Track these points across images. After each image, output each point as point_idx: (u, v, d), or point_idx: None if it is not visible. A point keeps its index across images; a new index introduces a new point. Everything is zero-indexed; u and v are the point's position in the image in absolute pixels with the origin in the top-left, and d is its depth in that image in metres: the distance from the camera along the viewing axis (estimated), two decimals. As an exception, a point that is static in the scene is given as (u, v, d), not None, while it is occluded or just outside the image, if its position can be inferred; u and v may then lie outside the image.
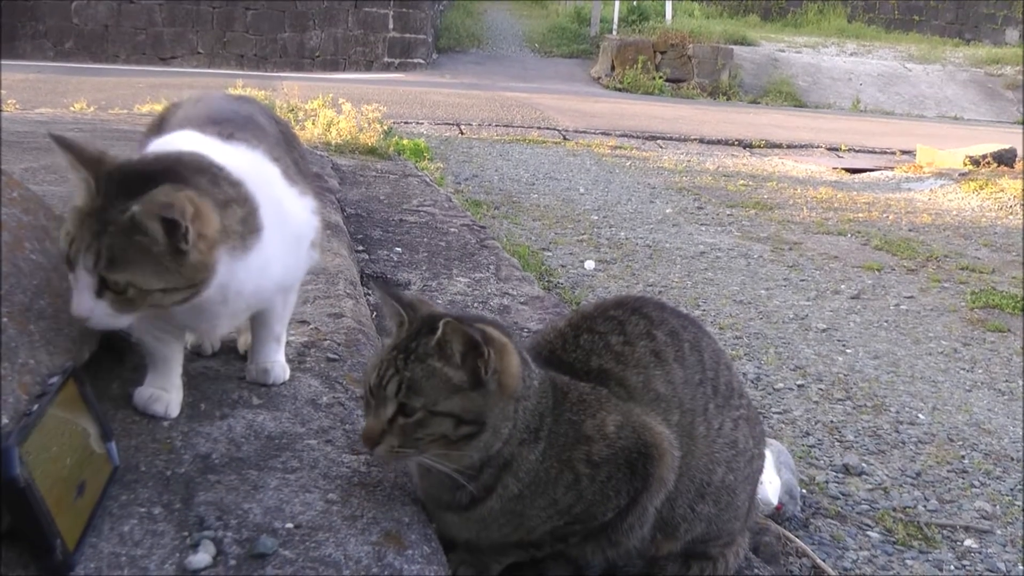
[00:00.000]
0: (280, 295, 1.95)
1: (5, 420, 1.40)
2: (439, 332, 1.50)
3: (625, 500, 1.64)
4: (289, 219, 1.85)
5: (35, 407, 1.44)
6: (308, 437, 1.85)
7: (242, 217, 1.69)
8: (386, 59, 16.98)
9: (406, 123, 10.83)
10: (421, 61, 17.25)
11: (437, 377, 1.50)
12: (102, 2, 16.10)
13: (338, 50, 16.86)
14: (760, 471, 1.92)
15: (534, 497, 1.60)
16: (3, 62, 13.77)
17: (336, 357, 2.32)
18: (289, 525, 1.52)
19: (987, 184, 9.03)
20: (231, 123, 1.92)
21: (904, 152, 11.43)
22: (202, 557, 1.40)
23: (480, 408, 1.51)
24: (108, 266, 1.52)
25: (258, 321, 2.00)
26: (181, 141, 1.78)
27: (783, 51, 19.83)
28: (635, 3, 20.65)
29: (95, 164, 1.56)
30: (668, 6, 20.24)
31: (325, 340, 2.41)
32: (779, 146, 11.79)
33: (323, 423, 1.93)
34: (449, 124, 11.31)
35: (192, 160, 1.67)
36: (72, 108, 8.26)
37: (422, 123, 11.15)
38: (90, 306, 1.55)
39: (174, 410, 1.84)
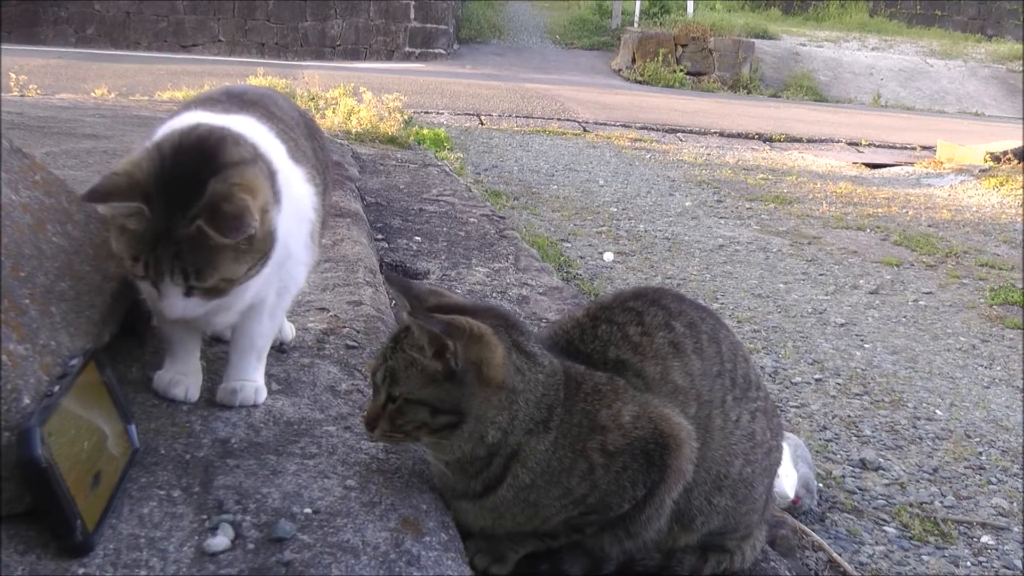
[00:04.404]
0: (273, 293, 1.84)
1: (27, 401, 1.41)
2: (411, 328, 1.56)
3: (642, 491, 1.63)
4: (294, 193, 1.81)
5: (56, 388, 1.45)
6: (327, 423, 1.86)
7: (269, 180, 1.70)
8: (407, 49, 16.98)
9: (426, 113, 10.83)
10: (442, 51, 17.23)
11: (414, 367, 1.54)
12: (124, -11, 16.18)
13: (359, 39, 16.86)
14: (777, 464, 1.91)
15: (548, 487, 1.60)
16: (25, 48, 13.87)
17: (355, 344, 2.33)
18: (307, 510, 1.53)
19: (1007, 180, 8.96)
20: (239, 101, 1.92)
21: (924, 148, 11.35)
22: (220, 540, 1.41)
23: (456, 398, 1.54)
24: (197, 277, 1.58)
25: (240, 329, 1.88)
26: (187, 120, 1.76)
27: (804, 45, 19.73)
28: (656, -4, 20.60)
29: (140, 192, 1.55)
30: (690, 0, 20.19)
31: (344, 327, 2.42)
32: (799, 140, 11.74)
33: (342, 409, 1.94)
34: (469, 114, 11.30)
35: (212, 134, 1.66)
36: (93, 94, 8.29)
37: (442, 113, 11.14)
38: (182, 307, 1.61)
39: (194, 394, 1.85)
